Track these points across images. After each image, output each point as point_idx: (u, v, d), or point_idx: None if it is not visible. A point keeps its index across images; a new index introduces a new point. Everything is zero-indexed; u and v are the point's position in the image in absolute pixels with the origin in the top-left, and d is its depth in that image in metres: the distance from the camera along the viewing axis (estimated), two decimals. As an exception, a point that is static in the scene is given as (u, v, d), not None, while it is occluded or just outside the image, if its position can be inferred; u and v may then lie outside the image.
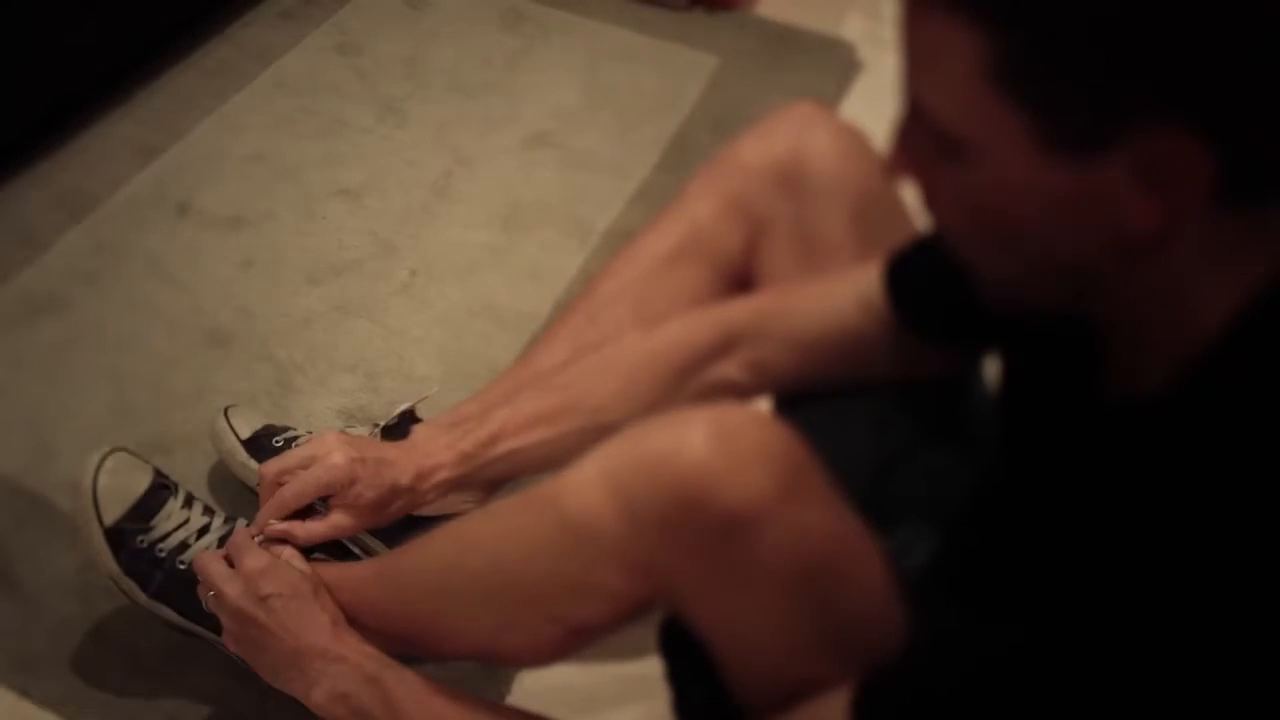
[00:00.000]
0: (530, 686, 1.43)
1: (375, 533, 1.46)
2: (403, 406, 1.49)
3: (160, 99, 2.24)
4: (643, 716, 1.39)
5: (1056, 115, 0.68)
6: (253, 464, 1.53)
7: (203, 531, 1.36)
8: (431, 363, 1.82)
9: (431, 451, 1.31)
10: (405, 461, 1.30)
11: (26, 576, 1.49)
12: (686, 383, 1.23)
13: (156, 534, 1.35)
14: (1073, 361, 0.88)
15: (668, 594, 0.96)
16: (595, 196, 2.14)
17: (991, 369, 1.15)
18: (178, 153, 2.14)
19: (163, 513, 1.36)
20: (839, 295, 1.17)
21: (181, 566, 1.34)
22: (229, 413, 1.59)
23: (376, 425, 1.49)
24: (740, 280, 1.31)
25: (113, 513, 1.35)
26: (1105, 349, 0.84)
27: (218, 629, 1.34)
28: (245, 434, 1.56)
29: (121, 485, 1.36)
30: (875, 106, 2.28)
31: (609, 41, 2.52)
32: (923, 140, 0.76)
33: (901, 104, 0.78)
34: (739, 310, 1.24)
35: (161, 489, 1.38)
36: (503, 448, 1.29)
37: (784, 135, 1.28)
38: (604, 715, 1.42)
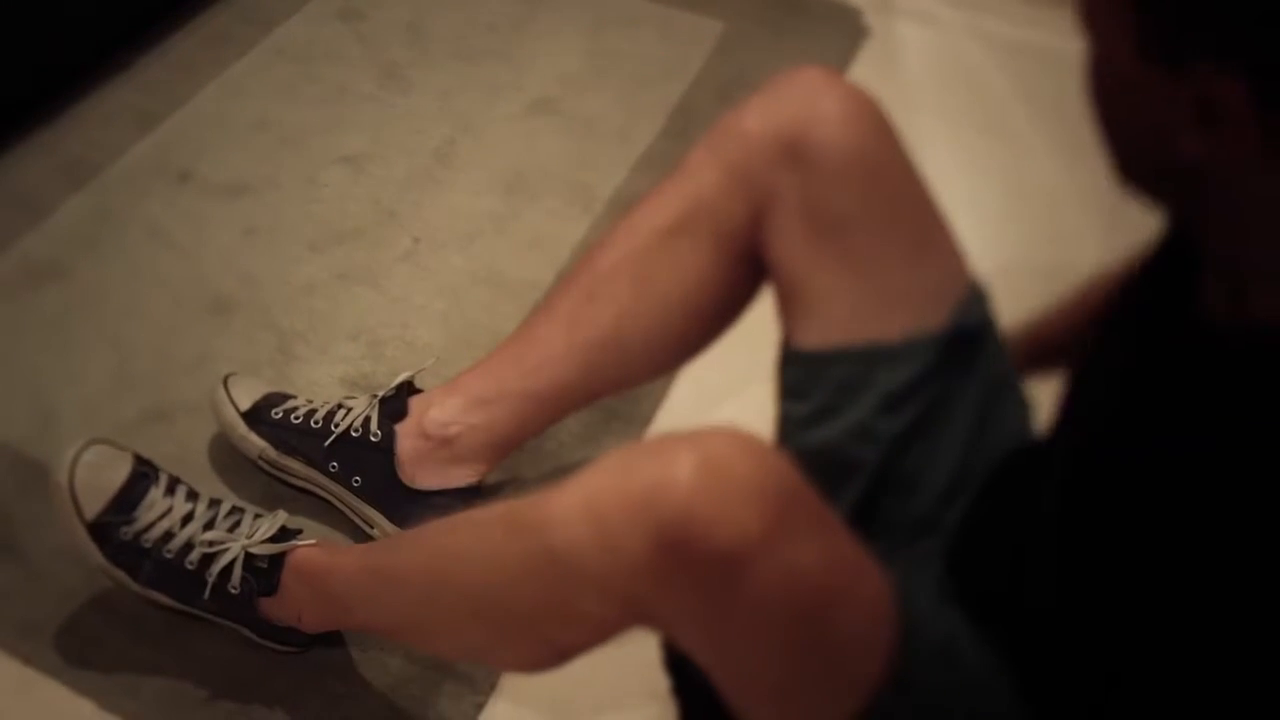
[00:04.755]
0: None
1: (381, 509, 1.47)
2: (401, 377, 1.49)
3: (161, 66, 2.23)
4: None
5: (1153, 25, 0.72)
6: (253, 437, 1.53)
7: (187, 519, 1.34)
8: (434, 331, 1.81)
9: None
10: None
11: (29, 545, 1.49)
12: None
13: (140, 525, 1.34)
14: (1178, 284, 0.88)
15: (658, 626, 0.94)
16: (599, 163, 2.13)
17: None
18: (179, 120, 2.13)
19: (145, 502, 1.34)
20: None
21: (169, 555, 1.33)
22: (229, 382, 1.57)
23: (375, 395, 1.48)
24: (745, 254, 1.26)
25: (93, 507, 1.33)
26: (1214, 267, 0.83)
27: (215, 611, 1.35)
28: (245, 404, 1.55)
29: (100, 478, 1.35)
30: (882, 72, 2.28)
31: (613, 7, 2.50)
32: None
33: None
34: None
35: (142, 477, 1.36)
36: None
37: (789, 102, 1.22)
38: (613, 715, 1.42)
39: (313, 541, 1.33)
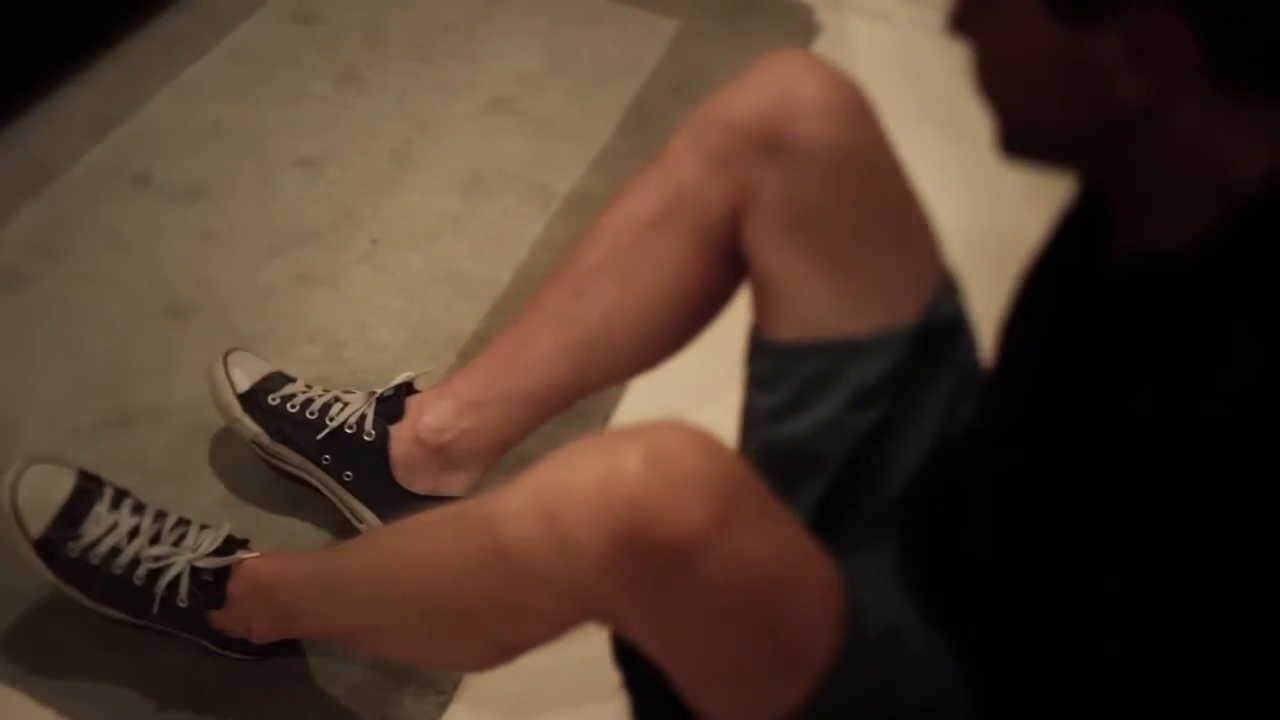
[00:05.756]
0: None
1: (371, 506, 1.48)
2: (400, 378, 1.50)
3: (117, 69, 2.22)
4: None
5: None
6: (247, 421, 1.51)
7: (133, 534, 1.34)
8: (393, 331, 1.82)
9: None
10: None
11: (-11, 552, 1.49)
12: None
13: (86, 540, 1.33)
14: (1084, 225, 0.91)
15: (609, 621, 0.95)
16: (556, 162, 2.14)
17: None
18: (135, 123, 2.13)
19: (90, 518, 1.34)
20: None
21: (117, 571, 1.33)
22: (229, 360, 1.54)
23: (373, 392, 1.49)
24: (726, 247, 1.24)
25: (38, 524, 1.33)
26: (1119, 209, 0.86)
27: (167, 624, 1.36)
28: (243, 386, 1.52)
29: (42, 496, 1.34)
30: (834, 68, 2.29)
31: (569, 6, 2.51)
32: None
33: None
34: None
35: (86, 493, 1.36)
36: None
37: (770, 89, 1.19)
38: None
39: (257, 553, 1.33)
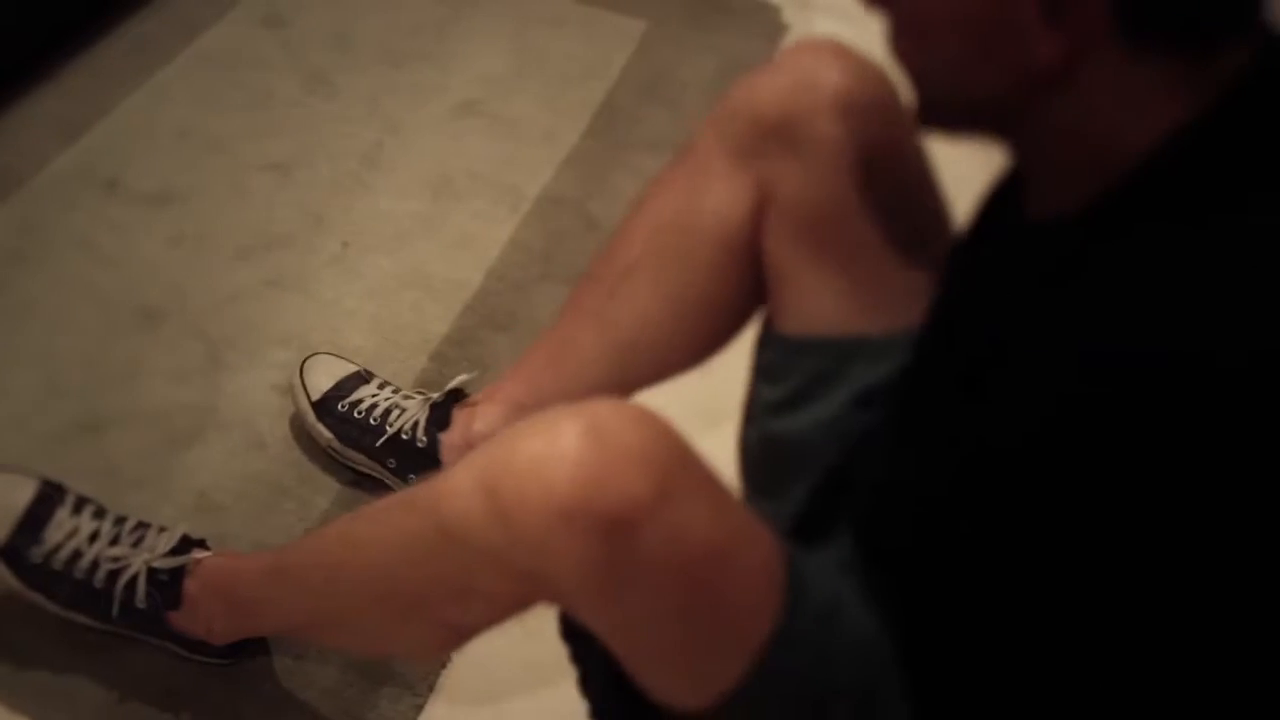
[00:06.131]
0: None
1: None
2: (453, 383, 1.55)
3: (84, 74, 2.22)
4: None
5: None
6: (320, 428, 1.58)
7: (93, 538, 1.34)
8: (364, 334, 1.82)
9: None
10: None
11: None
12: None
13: (48, 546, 1.33)
14: (1001, 191, 0.95)
15: (552, 597, 0.96)
16: (525, 164, 2.15)
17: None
18: (104, 128, 2.12)
19: (52, 523, 1.34)
20: None
21: (79, 575, 1.34)
22: (305, 368, 1.62)
23: (428, 398, 1.55)
24: (750, 245, 1.23)
25: (1, 531, 1.33)
26: (1028, 173, 0.89)
27: (130, 628, 1.36)
28: (317, 393, 1.59)
29: (4, 503, 1.34)
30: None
31: (537, 7, 2.52)
32: None
33: None
34: None
35: (47, 499, 1.36)
36: None
37: (792, 78, 1.17)
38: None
39: (212, 552, 1.34)
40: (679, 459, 0.89)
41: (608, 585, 0.88)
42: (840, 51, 1.19)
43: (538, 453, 0.88)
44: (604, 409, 0.89)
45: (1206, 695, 0.78)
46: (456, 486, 0.94)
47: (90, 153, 2.08)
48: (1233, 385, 0.69)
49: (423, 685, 1.42)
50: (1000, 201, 0.97)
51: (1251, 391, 0.68)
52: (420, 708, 1.40)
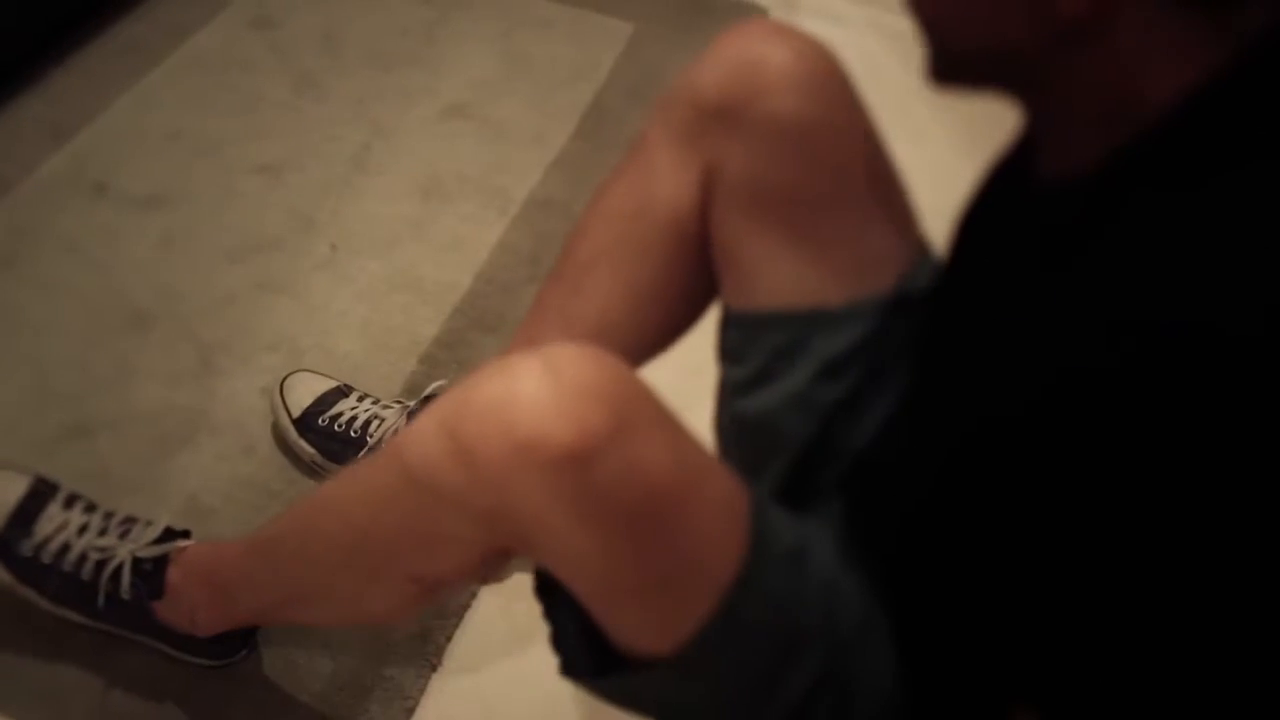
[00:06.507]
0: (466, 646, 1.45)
1: None
2: (429, 389, 1.55)
3: (73, 78, 2.22)
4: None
5: None
6: (303, 444, 1.60)
7: (82, 530, 1.35)
8: (354, 338, 1.83)
9: None
10: None
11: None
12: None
13: (38, 538, 1.34)
14: (1015, 156, 0.93)
15: (516, 539, 0.96)
16: (514, 166, 2.15)
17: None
18: (93, 132, 2.13)
19: (43, 517, 1.36)
20: None
21: (68, 568, 1.34)
22: (284, 387, 1.63)
23: (406, 406, 1.55)
24: (703, 235, 1.22)
25: None
26: (1042, 131, 0.87)
27: (115, 622, 1.36)
28: (298, 410, 1.60)
29: None
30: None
31: (525, 10, 2.52)
32: None
33: None
34: None
35: (39, 494, 1.37)
36: None
37: (731, 60, 1.16)
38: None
39: (191, 541, 1.35)
40: (636, 394, 0.90)
41: (568, 519, 0.89)
42: (777, 29, 1.18)
43: (496, 392, 0.90)
44: (560, 350, 0.91)
45: (1205, 675, 0.78)
46: (419, 431, 0.96)
47: (79, 156, 2.08)
48: (1244, 356, 0.67)
49: (414, 688, 1.42)
50: (1008, 168, 0.97)
51: (1263, 363, 0.67)
52: (411, 711, 1.41)
